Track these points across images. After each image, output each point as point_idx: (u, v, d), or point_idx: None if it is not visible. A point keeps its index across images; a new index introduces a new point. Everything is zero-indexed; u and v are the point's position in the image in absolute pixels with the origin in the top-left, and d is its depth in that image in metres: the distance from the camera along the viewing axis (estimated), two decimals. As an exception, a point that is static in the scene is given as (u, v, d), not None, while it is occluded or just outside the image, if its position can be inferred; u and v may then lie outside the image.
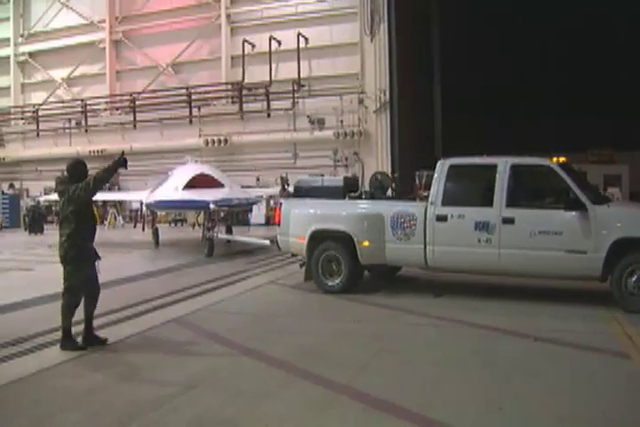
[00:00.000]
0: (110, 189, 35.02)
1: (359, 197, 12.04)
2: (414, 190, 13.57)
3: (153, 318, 9.30)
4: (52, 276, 14.09)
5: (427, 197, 10.90)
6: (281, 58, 32.69)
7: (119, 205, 33.37)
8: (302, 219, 11.60)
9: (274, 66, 32.58)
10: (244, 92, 33.51)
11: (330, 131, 30.62)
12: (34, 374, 6.55)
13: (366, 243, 10.80)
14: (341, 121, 30.88)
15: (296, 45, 32.09)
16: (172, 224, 31.34)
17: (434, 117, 36.70)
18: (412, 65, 32.52)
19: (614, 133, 31.42)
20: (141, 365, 6.94)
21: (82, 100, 38.05)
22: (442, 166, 10.58)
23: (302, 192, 12.40)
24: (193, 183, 17.93)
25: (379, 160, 30.18)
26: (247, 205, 20.49)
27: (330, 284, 11.15)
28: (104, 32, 37.99)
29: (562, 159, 10.35)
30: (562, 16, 32.29)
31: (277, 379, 6.36)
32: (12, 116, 41.48)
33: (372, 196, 12.11)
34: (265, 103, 32.89)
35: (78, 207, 7.49)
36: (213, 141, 32.67)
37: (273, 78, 32.48)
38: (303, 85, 32.15)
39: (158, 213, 24.98)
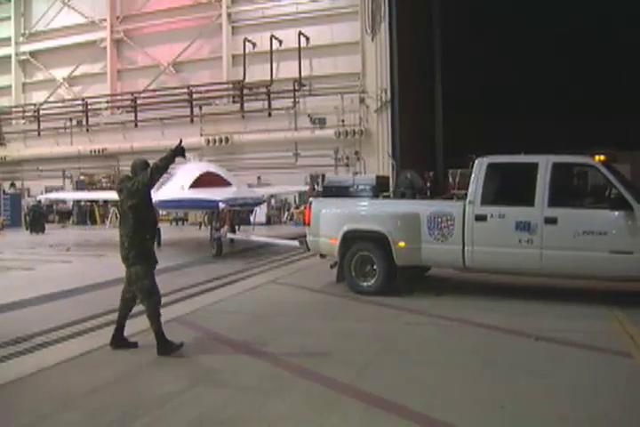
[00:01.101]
0: (112, 189, 35.07)
1: (391, 197, 11.70)
2: (447, 189, 13.27)
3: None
4: (53, 275, 14.27)
5: (464, 196, 10.59)
6: (282, 57, 32.69)
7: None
8: (334, 219, 11.30)
9: (275, 65, 32.58)
10: (245, 91, 33.53)
11: (331, 130, 30.61)
12: (34, 374, 6.55)
13: (402, 243, 10.50)
14: (342, 120, 30.88)
15: (297, 44, 32.10)
16: (174, 223, 31.35)
17: (435, 117, 36.63)
18: (413, 64, 32.51)
19: (615, 133, 31.38)
20: (142, 364, 6.93)
21: (83, 100, 38.06)
22: (480, 165, 10.32)
23: (332, 191, 12.24)
24: (199, 182, 17.52)
25: (380, 159, 30.17)
26: (254, 205, 20.07)
27: (364, 285, 10.85)
28: (105, 31, 38.02)
29: (602, 157, 10.17)
30: (562, 15, 32.25)
31: (279, 378, 6.35)
32: (13, 116, 41.49)
33: (402, 195, 11.82)
34: (266, 102, 32.90)
35: (138, 201, 7.31)
36: (214, 141, 32.68)
37: (274, 77, 32.49)
38: (304, 85, 32.15)
39: (160, 212, 24.79)
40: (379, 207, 11.24)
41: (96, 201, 32.91)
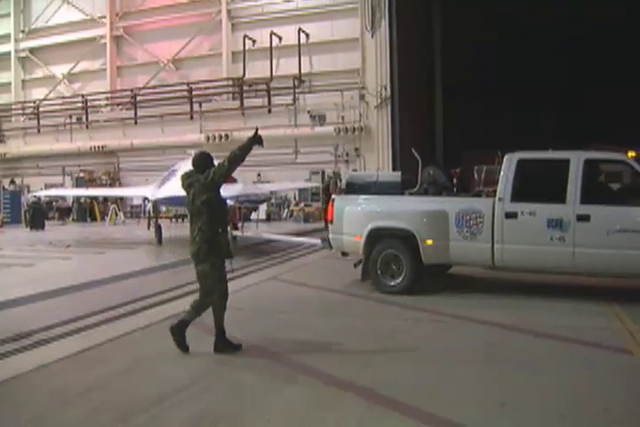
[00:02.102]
0: (111, 185, 35.10)
1: (417, 194, 11.41)
2: (472, 186, 13.00)
3: (153, 314, 9.28)
4: (53, 272, 14.27)
5: (492, 193, 10.39)
6: (282, 54, 32.72)
7: (120, 201, 33.33)
8: (358, 216, 11.05)
9: (275, 62, 32.61)
10: (245, 87, 33.57)
11: (331, 126, 30.64)
12: (33, 371, 6.54)
13: (430, 241, 10.24)
14: (342, 117, 30.92)
15: (297, 41, 32.15)
16: (174, 220, 31.28)
17: (435, 113, 36.67)
18: (413, 61, 32.51)
19: (615, 129, 31.35)
20: (142, 360, 6.93)
21: (83, 96, 38.11)
22: (509, 161, 10.07)
23: (355, 188, 11.75)
24: None
25: (379, 156, 30.18)
26: (261, 202, 19.76)
27: (391, 284, 10.58)
28: (105, 28, 38.07)
29: (632, 154, 10.02)
30: (563, 11, 32.19)
31: (279, 374, 6.34)
32: (13, 113, 41.49)
33: (425, 192, 11.50)
34: (266, 99, 32.95)
35: (212, 194, 6.98)
36: (214, 137, 32.70)
37: (274, 74, 32.52)
38: (304, 81, 32.18)
39: (161, 209, 24.61)
40: (406, 204, 10.94)
41: (96, 198, 32.90)
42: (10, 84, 41.59)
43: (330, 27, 32.30)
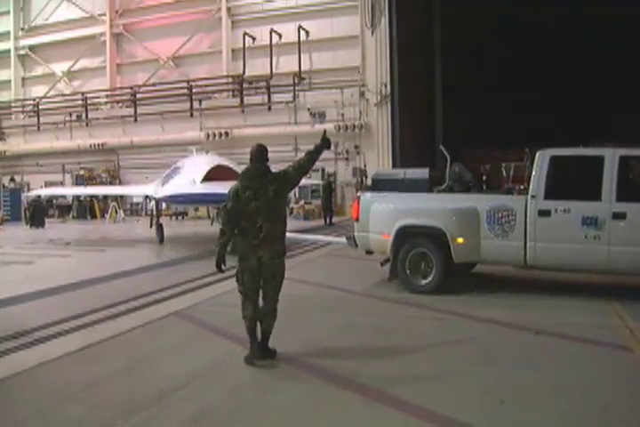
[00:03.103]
0: (111, 183, 35.09)
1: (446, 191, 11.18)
2: (501, 183, 12.80)
3: (152, 312, 9.27)
4: (53, 270, 14.28)
5: (524, 190, 10.23)
6: (282, 51, 32.70)
7: (120, 199, 33.32)
8: (386, 214, 10.77)
9: (274, 59, 32.60)
10: (245, 85, 33.56)
11: (331, 124, 30.58)
12: (34, 368, 6.54)
13: (461, 239, 10.04)
14: (342, 114, 30.91)
15: (297, 38, 32.12)
16: (174, 218, 31.33)
17: (434, 111, 36.66)
18: (413, 58, 32.48)
19: (615, 126, 31.35)
20: (142, 358, 6.93)
21: (82, 94, 38.11)
22: (542, 158, 9.82)
23: (381, 185, 11.44)
24: (210, 176, 16.75)
25: (379, 153, 30.17)
26: None
27: (421, 283, 10.35)
28: (104, 25, 38.05)
29: None
30: (562, 7, 32.14)
31: (279, 372, 6.35)
32: (13, 110, 41.48)
33: (451, 189, 11.24)
34: (266, 96, 32.94)
35: (289, 191, 7.06)
36: (214, 135, 32.71)
37: (274, 71, 32.51)
38: (304, 78, 32.16)
39: (162, 207, 24.48)
40: (435, 202, 10.72)
41: (96, 196, 32.90)
42: (9, 81, 41.59)
43: (330, 24, 32.28)
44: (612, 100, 31.40)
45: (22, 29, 41.30)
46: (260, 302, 6.77)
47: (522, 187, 10.78)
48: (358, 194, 11.73)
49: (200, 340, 7.67)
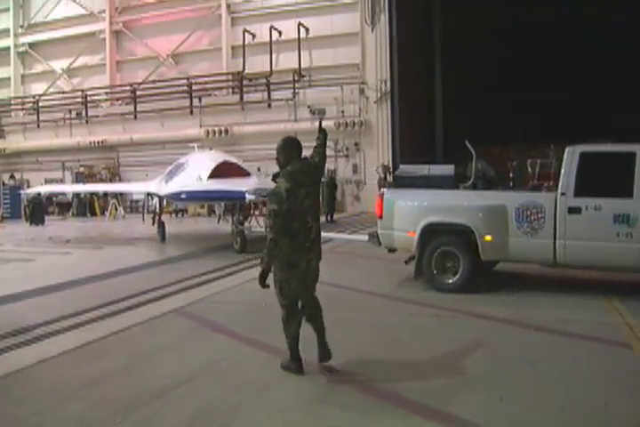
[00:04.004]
0: (111, 180, 35.08)
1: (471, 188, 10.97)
2: (526, 180, 12.62)
3: (153, 309, 9.28)
4: (52, 267, 14.27)
5: (553, 187, 10.11)
6: (281, 48, 32.65)
7: (119, 196, 33.30)
8: (411, 211, 10.58)
9: (274, 56, 32.55)
10: (245, 82, 33.52)
11: (330, 121, 30.51)
12: (34, 365, 6.55)
13: (488, 237, 9.86)
14: (342, 111, 30.88)
15: (297, 35, 32.07)
16: (174, 215, 31.30)
17: (434, 108, 36.65)
18: (413, 55, 32.46)
19: (614, 125, 31.35)
20: (142, 355, 6.94)
21: (82, 91, 38.04)
22: (571, 154, 9.65)
23: (405, 182, 11.21)
24: (217, 172, 16.22)
25: (379, 150, 30.17)
26: None
27: (448, 282, 10.18)
28: (104, 22, 37.99)
29: None
30: (563, 4, 32.11)
31: (279, 369, 6.35)
32: (13, 108, 41.45)
33: (474, 186, 11.05)
34: (265, 94, 32.91)
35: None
36: (214, 132, 32.67)
37: (273, 69, 32.46)
38: (304, 76, 32.13)
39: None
40: (462, 199, 10.48)
41: (96, 193, 32.87)
42: (9, 79, 41.52)
43: (330, 21, 32.22)
44: (612, 100, 31.38)
45: (22, 27, 41.23)
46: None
47: (550, 184, 10.63)
48: (382, 191, 11.41)
49: (200, 337, 7.67)
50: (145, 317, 8.76)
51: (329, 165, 30.59)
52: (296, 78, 32.01)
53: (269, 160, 29.68)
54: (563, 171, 9.67)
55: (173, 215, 31.18)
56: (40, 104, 39.28)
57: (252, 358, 6.76)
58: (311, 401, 5.51)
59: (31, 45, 40.96)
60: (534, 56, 34.28)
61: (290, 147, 6.29)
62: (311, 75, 32.13)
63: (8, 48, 41.18)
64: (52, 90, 39.98)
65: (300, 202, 5.94)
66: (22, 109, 40.85)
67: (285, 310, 6.20)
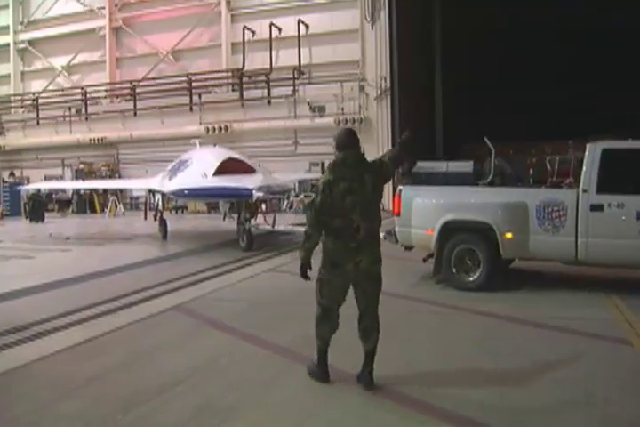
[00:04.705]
0: (111, 177, 35.08)
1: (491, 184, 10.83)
2: (545, 177, 12.52)
3: (153, 306, 9.28)
4: (52, 264, 14.28)
5: (573, 184, 10.00)
6: (281, 45, 32.62)
7: (119, 193, 33.30)
8: (429, 208, 10.46)
9: (274, 53, 32.51)
10: (245, 79, 33.49)
11: (330, 118, 30.59)
12: (34, 362, 6.55)
13: (509, 235, 9.73)
14: (342, 108, 30.88)
15: (296, 32, 32.02)
16: (173, 211, 31.28)
17: (434, 104, 36.62)
18: (413, 52, 32.43)
19: (613, 121, 31.32)
20: (142, 352, 6.93)
21: (82, 88, 38.01)
22: (593, 151, 9.51)
23: (422, 179, 11.01)
24: (222, 169, 15.90)
25: (379, 147, 30.10)
26: (283, 193, 18.57)
27: (469, 279, 10.06)
28: (104, 19, 37.96)
29: None
30: (563, 7, 32.05)
31: (280, 366, 6.35)
32: (12, 105, 41.43)
33: (491, 183, 10.90)
34: (265, 90, 32.88)
35: (382, 189, 5.90)
36: (214, 129, 32.64)
37: (273, 65, 32.43)
38: (304, 72, 32.11)
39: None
40: (482, 196, 10.34)
41: (96, 190, 32.87)
42: (9, 76, 41.49)
43: (329, 18, 32.19)
44: (612, 100, 31.35)
45: (21, 23, 41.18)
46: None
47: (571, 180, 10.51)
48: (399, 188, 11.17)
49: (200, 334, 7.67)
50: (145, 314, 8.76)
51: (329, 162, 30.66)
52: (296, 75, 31.98)
53: (269, 157, 29.69)
54: (584, 168, 9.54)
55: (173, 212, 31.17)
56: (40, 101, 39.25)
57: (253, 355, 6.76)
58: (311, 398, 5.50)
59: (31, 42, 40.93)
60: (538, 49, 34.24)
61: (339, 138, 5.95)
62: (311, 72, 32.12)
63: (7, 45, 41.16)
64: (51, 87, 39.95)
65: (339, 197, 5.54)
66: (22, 106, 40.84)
67: (320, 309, 5.85)
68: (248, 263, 13.66)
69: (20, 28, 41.15)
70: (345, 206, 5.53)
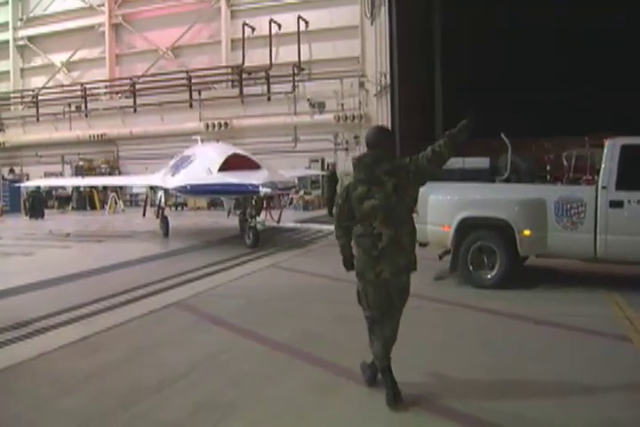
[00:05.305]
0: (111, 174, 35.07)
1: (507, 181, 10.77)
2: (562, 173, 12.45)
3: (152, 302, 9.29)
4: (52, 261, 14.29)
5: (592, 180, 9.90)
6: (281, 41, 32.54)
7: (119, 189, 33.29)
8: (445, 205, 10.40)
9: (274, 49, 32.45)
10: (245, 75, 33.41)
11: (330, 114, 30.57)
12: (34, 358, 6.56)
13: (527, 232, 9.62)
14: (342, 104, 30.83)
15: (296, 29, 31.95)
16: (173, 208, 31.28)
17: (434, 101, 36.55)
18: (413, 48, 32.37)
19: (614, 118, 31.29)
20: (142, 348, 6.94)
21: (81, 85, 37.95)
22: (612, 147, 9.40)
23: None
24: (227, 165, 15.72)
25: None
26: (288, 189, 18.59)
27: (488, 277, 9.96)
28: (103, 16, 37.86)
29: None
30: (563, 7, 32.01)
31: (279, 362, 6.36)
32: (12, 101, 41.38)
33: (506, 180, 10.92)
34: (265, 87, 32.83)
35: (412, 191, 5.36)
36: (214, 125, 32.61)
37: (273, 62, 32.36)
38: (303, 69, 32.05)
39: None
40: (500, 193, 10.32)
41: (95, 186, 32.86)
42: (8, 72, 41.40)
43: (329, 14, 32.12)
44: (612, 100, 31.32)
45: (21, 20, 41.09)
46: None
47: (590, 177, 10.40)
48: None
49: (200, 330, 7.68)
50: (145, 310, 8.76)
51: (329, 159, 30.68)
52: (296, 71, 31.94)
53: (269, 153, 29.63)
54: (603, 164, 9.44)
55: (173, 208, 31.17)
56: (39, 98, 39.20)
57: (252, 351, 6.77)
58: (311, 393, 5.50)
59: (30, 39, 40.83)
60: (538, 46, 34.17)
61: (366, 137, 5.42)
62: (311, 68, 32.07)
63: (7, 41, 41.04)
64: (51, 83, 39.88)
65: (357, 201, 5.19)
66: (22, 103, 40.78)
67: (368, 322, 5.55)
68: (250, 259, 13.66)
69: (19, 24, 41.06)
70: (364, 212, 5.20)
